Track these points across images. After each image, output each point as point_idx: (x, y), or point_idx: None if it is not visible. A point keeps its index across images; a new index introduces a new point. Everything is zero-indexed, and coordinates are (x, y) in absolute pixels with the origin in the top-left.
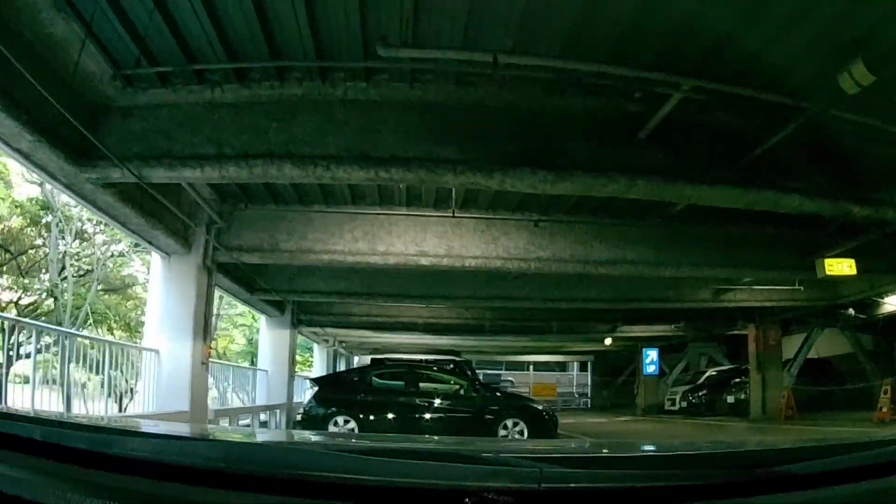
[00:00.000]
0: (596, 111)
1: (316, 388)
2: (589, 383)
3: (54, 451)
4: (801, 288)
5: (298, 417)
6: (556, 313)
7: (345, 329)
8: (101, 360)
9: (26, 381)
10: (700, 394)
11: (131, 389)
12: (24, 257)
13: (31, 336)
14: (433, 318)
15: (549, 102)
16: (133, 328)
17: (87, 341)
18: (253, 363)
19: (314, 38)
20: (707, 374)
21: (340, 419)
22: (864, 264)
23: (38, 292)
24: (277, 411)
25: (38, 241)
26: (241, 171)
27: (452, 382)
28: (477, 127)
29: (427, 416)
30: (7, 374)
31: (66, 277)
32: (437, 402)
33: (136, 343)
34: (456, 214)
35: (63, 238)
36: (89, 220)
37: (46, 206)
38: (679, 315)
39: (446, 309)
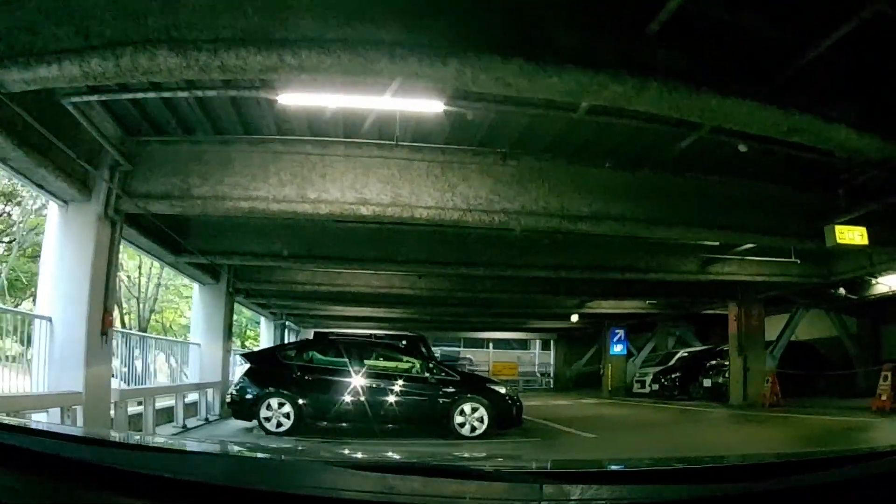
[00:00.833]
0: None
1: (247, 365)
2: (552, 363)
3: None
4: (798, 261)
5: (228, 399)
6: (520, 284)
7: (292, 300)
8: None
9: None
10: (673, 376)
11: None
12: None
13: None
14: (385, 289)
15: None
16: None
17: None
18: None
19: None
20: (679, 356)
21: (274, 402)
22: (875, 235)
23: None
24: (210, 391)
25: None
26: (105, 65)
27: (404, 361)
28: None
29: (373, 399)
30: None
31: None
32: (385, 383)
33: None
34: (400, 143)
35: None
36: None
37: None
38: (654, 290)
39: (398, 278)
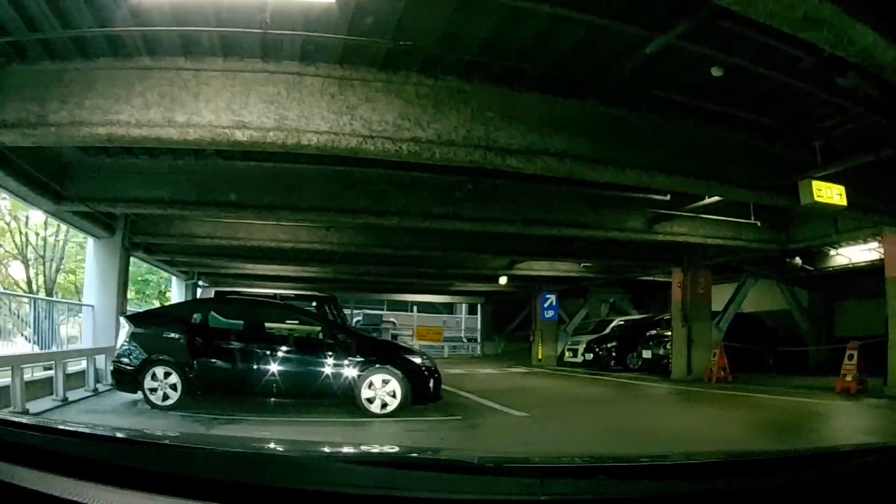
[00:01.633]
0: None
1: (131, 328)
2: (479, 328)
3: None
4: (758, 223)
5: (111, 368)
6: (442, 240)
7: (196, 257)
8: None
9: None
10: (609, 346)
11: None
12: None
13: None
14: (292, 243)
15: None
16: None
17: None
18: None
19: None
20: (615, 324)
21: (160, 371)
22: (852, 198)
23: None
24: (102, 357)
25: None
26: None
27: (307, 325)
28: None
29: (270, 369)
30: None
31: None
32: (284, 351)
33: None
34: (270, 31)
35: None
36: None
37: None
38: (591, 251)
39: (305, 230)
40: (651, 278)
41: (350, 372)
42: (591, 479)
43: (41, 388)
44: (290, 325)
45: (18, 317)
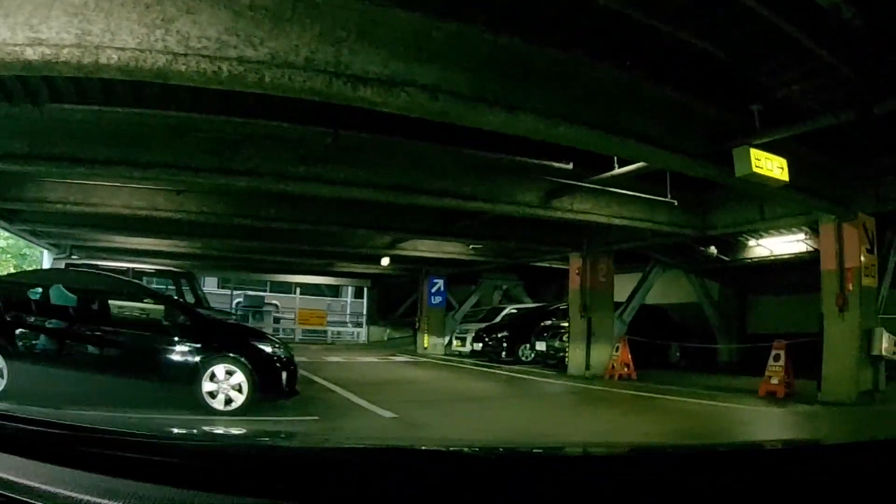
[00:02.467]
0: None
1: None
2: (364, 312)
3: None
4: (675, 202)
5: None
6: (312, 211)
7: (56, 227)
8: None
9: None
10: (499, 335)
11: None
12: None
13: None
14: (147, 210)
15: None
16: None
17: None
18: None
19: None
20: (506, 312)
21: None
22: (794, 175)
23: None
24: None
25: None
26: None
27: (149, 305)
28: None
29: (101, 356)
30: None
31: None
32: (121, 335)
33: None
34: None
35: None
36: None
37: None
38: (481, 230)
39: (162, 196)
40: (547, 265)
41: (189, 360)
42: (585, 467)
43: None
44: (129, 302)
45: None
